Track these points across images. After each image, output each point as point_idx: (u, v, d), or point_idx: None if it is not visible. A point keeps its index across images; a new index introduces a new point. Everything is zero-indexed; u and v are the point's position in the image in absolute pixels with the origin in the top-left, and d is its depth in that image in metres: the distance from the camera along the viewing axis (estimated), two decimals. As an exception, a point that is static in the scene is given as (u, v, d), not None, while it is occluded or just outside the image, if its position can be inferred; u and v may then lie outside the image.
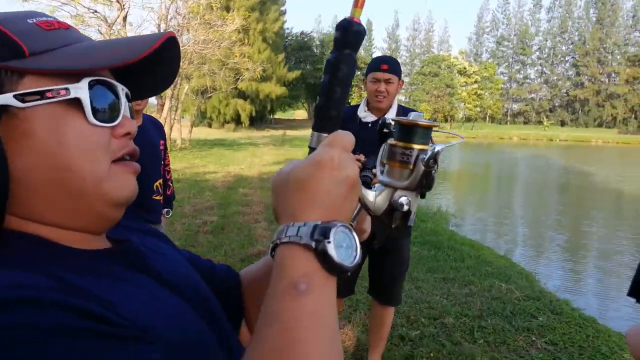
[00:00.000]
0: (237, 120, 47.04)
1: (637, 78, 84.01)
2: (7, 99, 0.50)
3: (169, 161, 3.15)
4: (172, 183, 3.25)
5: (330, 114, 0.61)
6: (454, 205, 11.31)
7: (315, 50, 69.58)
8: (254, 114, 47.55)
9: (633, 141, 53.87)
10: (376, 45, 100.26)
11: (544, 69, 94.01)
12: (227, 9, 25.35)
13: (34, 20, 0.55)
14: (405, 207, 0.62)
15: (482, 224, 9.89)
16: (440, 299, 4.36)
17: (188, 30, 18.22)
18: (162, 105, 19.32)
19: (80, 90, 0.52)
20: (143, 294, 0.54)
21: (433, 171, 0.61)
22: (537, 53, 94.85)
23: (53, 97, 0.51)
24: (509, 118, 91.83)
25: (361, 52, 77.05)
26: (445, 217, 8.97)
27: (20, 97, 0.50)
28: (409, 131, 0.63)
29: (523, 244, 8.64)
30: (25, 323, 0.38)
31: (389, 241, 2.78)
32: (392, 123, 0.66)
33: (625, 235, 9.53)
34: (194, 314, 0.57)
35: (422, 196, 0.64)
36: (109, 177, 0.54)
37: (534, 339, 3.73)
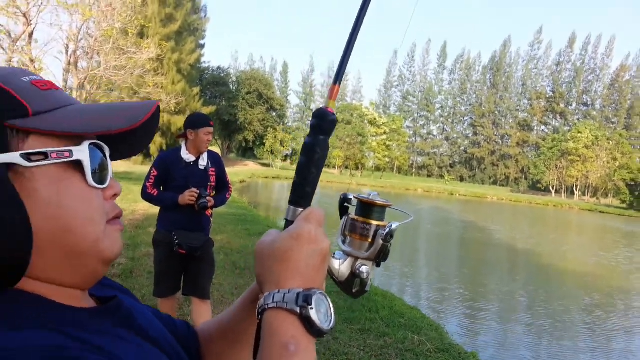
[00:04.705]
0: (145, 153, 45.20)
1: (526, 142, 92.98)
2: (14, 157, 0.50)
3: None
4: None
5: (306, 191, 0.68)
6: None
7: (232, 87, 69.26)
8: (164, 147, 46.03)
9: (523, 200, 58.92)
10: (291, 88, 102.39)
11: (445, 126, 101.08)
12: (142, 35, 24.65)
13: (29, 79, 0.56)
14: (365, 275, 0.70)
15: (392, 274, 10.11)
16: (357, 350, 4.35)
17: (98, 53, 17.45)
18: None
19: (82, 153, 0.55)
20: (139, 350, 0.57)
21: (389, 245, 0.70)
22: (440, 111, 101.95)
23: (57, 158, 0.53)
24: (414, 170, 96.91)
25: (277, 93, 78.12)
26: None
27: (27, 157, 0.51)
28: (368, 209, 0.72)
29: (431, 296, 8.92)
30: None
31: (204, 250, 3.63)
32: (353, 198, 0.75)
33: (522, 291, 10.19)
34: None
35: (378, 265, 0.72)
36: (103, 237, 0.56)
37: (446, 392, 3.78)
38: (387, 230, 0.70)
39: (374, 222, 0.71)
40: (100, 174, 0.57)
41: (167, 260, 3.62)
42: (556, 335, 7.13)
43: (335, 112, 0.69)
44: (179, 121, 43.96)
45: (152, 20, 34.97)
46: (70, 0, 15.30)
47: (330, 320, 0.57)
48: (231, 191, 3.93)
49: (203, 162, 3.68)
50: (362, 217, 0.72)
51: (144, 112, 0.57)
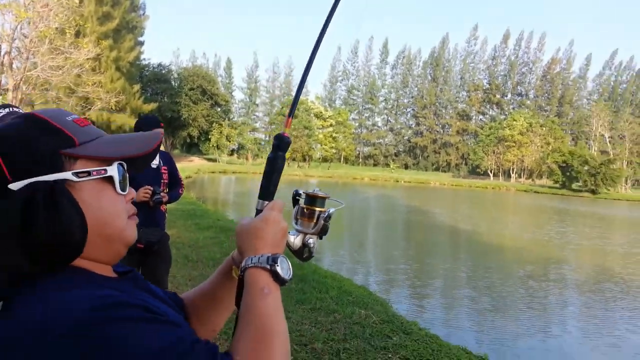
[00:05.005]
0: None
1: (465, 130, 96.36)
2: (68, 175, 0.73)
3: None
4: None
5: (270, 189, 0.99)
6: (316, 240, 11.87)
7: (173, 84, 67.65)
8: (104, 146, 44.48)
9: (464, 184, 61.32)
10: (236, 84, 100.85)
11: (389, 118, 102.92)
12: (78, 34, 23.82)
13: (71, 118, 0.78)
14: (312, 245, 1.01)
15: (342, 258, 10.57)
16: (309, 327, 4.67)
17: (34, 54, 16.81)
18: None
19: (113, 170, 0.78)
20: (156, 303, 0.78)
21: (328, 224, 1.01)
22: (383, 103, 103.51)
23: (96, 175, 0.75)
24: (361, 160, 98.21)
25: (221, 89, 77.16)
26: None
27: (76, 174, 0.73)
28: (313, 199, 1.02)
29: (378, 275, 9.43)
30: (124, 315, 0.65)
31: (161, 244, 3.82)
32: (302, 193, 1.05)
33: (462, 267, 10.90)
34: (185, 321, 0.82)
35: (320, 238, 1.02)
36: (127, 227, 0.80)
37: (390, 356, 4.21)
38: (327, 214, 1.01)
39: (318, 209, 1.01)
40: (123, 183, 0.80)
41: (124, 258, 3.78)
42: (491, 303, 7.79)
43: (289, 136, 1.02)
44: (118, 119, 42.58)
45: (89, 19, 33.71)
46: (2, 0, 14.70)
47: (290, 274, 0.83)
48: (183, 187, 4.17)
49: (155, 160, 3.84)
50: (309, 205, 1.02)
51: (153, 141, 0.83)
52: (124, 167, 0.81)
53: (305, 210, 1.02)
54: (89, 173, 0.75)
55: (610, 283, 9.82)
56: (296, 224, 1.03)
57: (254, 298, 0.78)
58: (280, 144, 1.01)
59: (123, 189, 0.80)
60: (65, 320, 0.63)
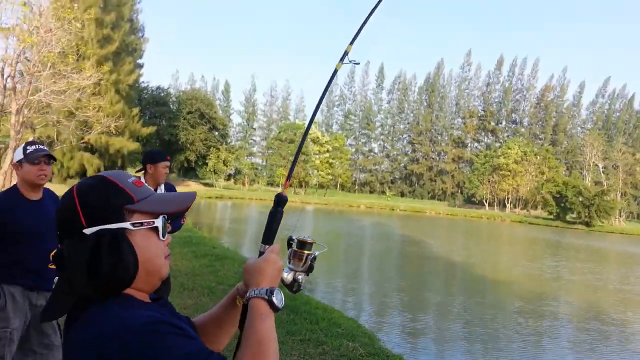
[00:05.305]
0: (82, 175, 43.73)
1: (461, 158, 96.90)
2: (127, 225, 0.97)
3: None
4: None
5: (271, 236, 1.29)
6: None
7: (172, 107, 67.94)
8: (102, 169, 44.71)
9: (459, 213, 61.18)
10: (234, 107, 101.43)
11: (385, 144, 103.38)
12: (79, 57, 24.21)
13: (131, 180, 1.04)
14: (301, 280, 1.29)
15: (335, 288, 10.68)
16: (297, 358, 4.83)
17: (37, 79, 17.12)
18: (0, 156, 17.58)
19: (159, 222, 1.02)
20: (181, 323, 0.97)
21: (314, 264, 1.29)
22: (380, 129, 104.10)
23: (146, 225, 1.00)
24: (357, 187, 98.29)
25: (219, 112, 77.72)
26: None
27: (133, 224, 0.98)
28: (303, 244, 1.30)
29: (368, 307, 9.55)
30: (162, 330, 0.87)
31: None
32: (295, 239, 1.32)
33: (453, 301, 11.00)
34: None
35: (307, 275, 1.30)
36: (163, 265, 1.04)
37: (375, 389, 4.35)
38: (313, 256, 1.30)
39: (306, 252, 1.29)
40: (164, 231, 1.04)
41: None
42: (479, 339, 7.92)
43: (286, 194, 1.34)
44: (117, 142, 42.88)
45: (89, 42, 34.25)
46: (5, 24, 15.10)
47: (282, 303, 1.06)
48: (185, 217, 4.39)
49: (160, 192, 4.07)
50: (299, 249, 1.30)
51: (190, 200, 1.10)
52: (165, 219, 1.04)
53: (297, 252, 1.29)
54: (142, 224, 0.99)
55: (597, 322, 9.95)
56: (289, 263, 1.29)
57: (255, 321, 1.00)
58: (280, 201, 1.33)
59: (164, 236, 1.04)
60: (119, 331, 0.86)
